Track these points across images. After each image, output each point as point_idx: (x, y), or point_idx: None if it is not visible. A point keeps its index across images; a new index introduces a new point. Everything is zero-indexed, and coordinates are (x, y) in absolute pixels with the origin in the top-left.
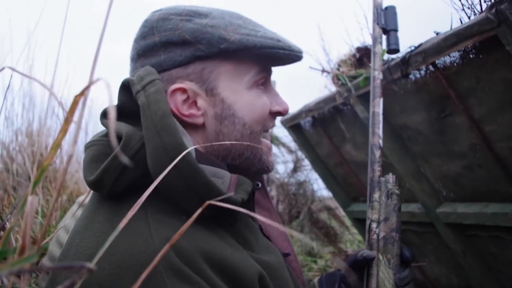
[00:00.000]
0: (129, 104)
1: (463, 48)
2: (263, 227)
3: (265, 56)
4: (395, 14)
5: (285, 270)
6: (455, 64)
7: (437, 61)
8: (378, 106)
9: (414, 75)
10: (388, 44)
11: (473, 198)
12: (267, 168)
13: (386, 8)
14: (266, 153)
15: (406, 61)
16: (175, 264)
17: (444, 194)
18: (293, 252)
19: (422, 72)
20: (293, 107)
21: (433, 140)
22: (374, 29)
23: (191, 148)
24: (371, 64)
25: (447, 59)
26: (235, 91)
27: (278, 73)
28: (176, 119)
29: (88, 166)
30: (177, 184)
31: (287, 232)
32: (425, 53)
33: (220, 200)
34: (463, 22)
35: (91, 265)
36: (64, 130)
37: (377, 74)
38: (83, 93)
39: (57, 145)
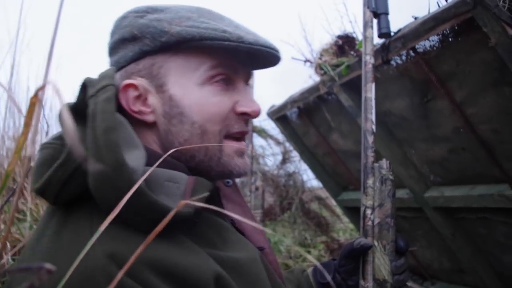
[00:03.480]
0: (85, 104)
1: (441, 32)
2: (236, 222)
3: (219, 50)
4: None
5: (257, 264)
6: (434, 48)
7: (416, 46)
8: (370, 91)
9: (395, 61)
10: (379, 28)
11: (460, 181)
12: (229, 172)
13: None
14: (228, 155)
15: (386, 47)
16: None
17: (431, 178)
18: (268, 245)
19: (403, 58)
20: (280, 99)
21: (418, 125)
22: (364, 13)
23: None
24: (363, 49)
25: (427, 44)
26: (185, 87)
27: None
28: (128, 117)
29: (36, 172)
30: (117, 203)
31: (258, 226)
32: (404, 38)
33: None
34: (440, 5)
35: (50, 265)
36: (25, 134)
37: (368, 58)
38: (37, 95)
39: (19, 149)
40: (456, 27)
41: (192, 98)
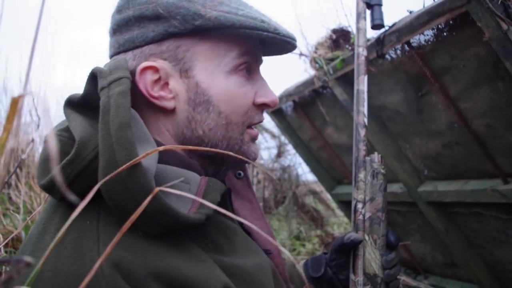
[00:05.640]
0: (95, 96)
1: (436, 26)
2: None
3: (245, 37)
4: None
5: (262, 271)
6: (429, 42)
7: (411, 40)
8: (362, 83)
9: (390, 55)
10: (372, 19)
11: (453, 176)
12: (246, 158)
13: None
14: (247, 143)
15: (381, 41)
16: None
17: (425, 173)
18: (275, 246)
19: (398, 52)
20: (275, 92)
21: (412, 119)
22: (357, 4)
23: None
24: (355, 41)
25: (421, 38)
26: (212, 74)
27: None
28: (145, 102)
29: (41, 166)
30: (129, 206)
31: (268, 228)
32: (399, 32)
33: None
34: None
35: (29, 258)
36: (7, 130)
37: (361, 50)
38: (21, 95)
39: (2, 145)
40: (450, 22)
41: (219, 87)
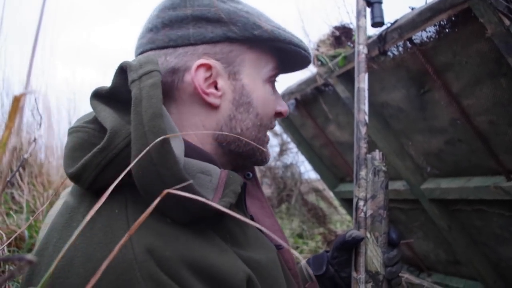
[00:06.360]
0: (123, 89)
1: (438, 22)
2: (255, 217)
3: (278, 52)
4: None
5: (275, 265)
6: (431, 39)
7: (413, 37)
8: (363, 81)
9: (392, 52)
10: (373, 17)
11: (456, 173)
12: (265, 160)
13: None
14: (266, 146)
15: (383, 38)
16: (154, 273)
17: (427, 170)
18: (285, 242)
19: (400, 49)
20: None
21: (414, 116)
22: (357, 2)
23: (176, 136)
24: (356, 38)
25: (424, 35)
26: (254, 80)
27: None
28: (188, 97)
29: (69, 156)
30: (159, 191)
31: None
32: (401, 29)
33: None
34: None
35: (31, 256)
36: (9, 128)
37: (361, 48)
38: (22, 94)
39: (4, 143)
40: (452, 18)
41: (259, 92)
